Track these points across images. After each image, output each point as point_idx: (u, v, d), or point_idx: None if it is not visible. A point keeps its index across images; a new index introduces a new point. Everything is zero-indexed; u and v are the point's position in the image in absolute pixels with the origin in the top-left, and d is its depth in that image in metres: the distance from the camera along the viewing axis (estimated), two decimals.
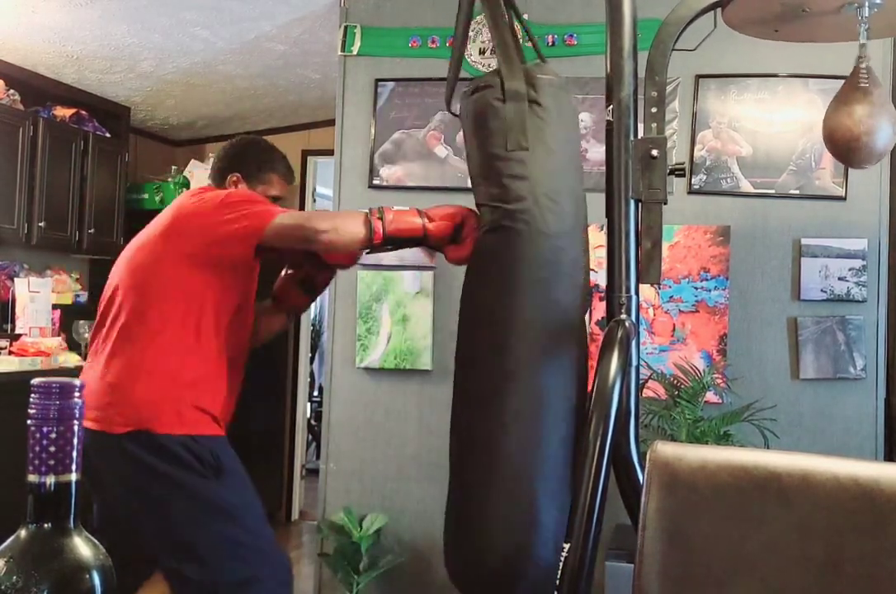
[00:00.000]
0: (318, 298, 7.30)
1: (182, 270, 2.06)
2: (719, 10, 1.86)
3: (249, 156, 2.33)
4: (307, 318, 5.48)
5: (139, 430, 2.01)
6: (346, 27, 3.28)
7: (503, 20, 1.88)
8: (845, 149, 1.87)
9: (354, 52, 3.27)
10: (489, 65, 3.14)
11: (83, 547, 0.71)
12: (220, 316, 2.11)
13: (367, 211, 1.98)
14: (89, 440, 2.11)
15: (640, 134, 1.78)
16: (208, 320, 2.09)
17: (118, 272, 2.17)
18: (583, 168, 1.95)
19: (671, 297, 2.99)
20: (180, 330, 2.07)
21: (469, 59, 3.14)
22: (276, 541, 2.33)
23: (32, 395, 0.70)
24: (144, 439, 2.02)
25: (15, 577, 0.68)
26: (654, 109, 1.76)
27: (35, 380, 0.71)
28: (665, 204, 1.75)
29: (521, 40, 1.97)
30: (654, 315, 3.00)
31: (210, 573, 2.05)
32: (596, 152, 3.06)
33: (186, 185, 4.93)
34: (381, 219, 1.94)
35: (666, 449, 1.13)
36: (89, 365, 2.16)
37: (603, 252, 1.83)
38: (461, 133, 2.04)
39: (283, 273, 2.35)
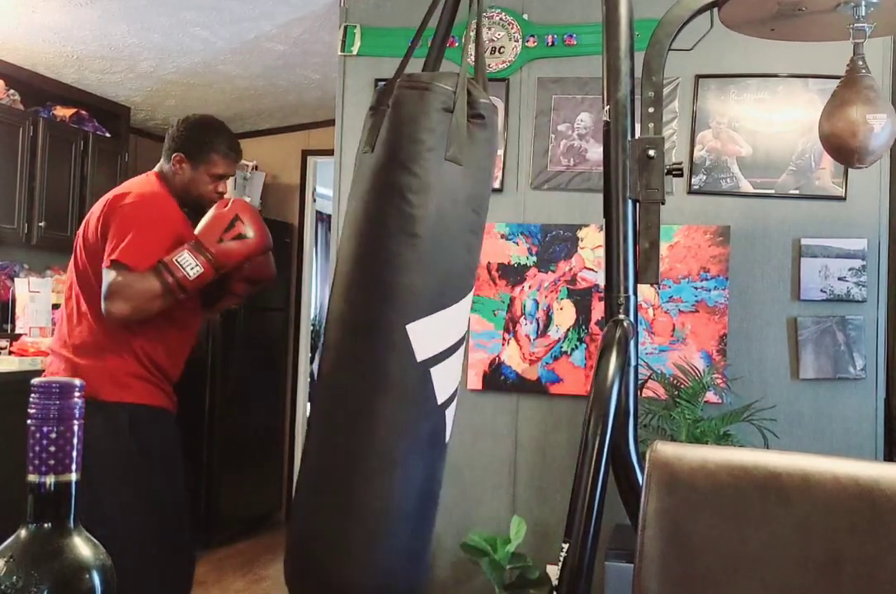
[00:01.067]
0: (318, 298, 7.20)
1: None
2: (716, 9, 1.86)
3: (192, 135, 2.38)
4: (307, 318, 5.48)
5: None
6: (346, 27, 3.28)
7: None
8: (842, 148, 1.88)
9: (354, 52, 3.28)
10: (488, 65, 3.14)
11: (83, 547, 0.71)
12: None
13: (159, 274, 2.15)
14: None
15: (638, 134, 1.78)
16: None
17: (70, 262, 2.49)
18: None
19: (671, 297, 2.99)
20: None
21: (469, 60, 3.13)
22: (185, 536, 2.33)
23: (32, 395, 0.71)
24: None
25: (15, 577, 0.68)
26: (651, 109, 1.76)
27: (35, 380, 0.71)
28: (663, 204, 1.75)
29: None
30: (654, 315, 3.00)
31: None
32: (595, 152, 3.07)
33: None
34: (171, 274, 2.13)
35: (666, 449, 1.13)
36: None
37: (601, 252, 1.83)
38: None
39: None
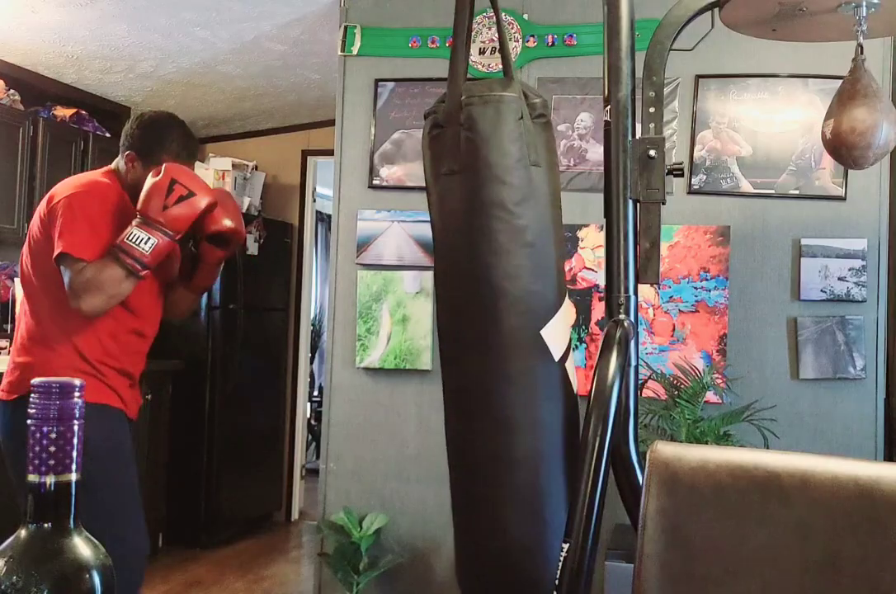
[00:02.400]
0: (318, 298, 7.20)
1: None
2: (717, 9, 1.86)
3: (145, 135, 2.32)
4: (307, 318, 5.48)
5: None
6: (346, 27, 3.28)
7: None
8: (844, 149, 1.87)
9: (354, 53, 3.28)
10: (489, 65, 3.14)
11: (83, 547, 0.71)
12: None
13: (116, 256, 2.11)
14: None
15: (639, 134, 1.78)
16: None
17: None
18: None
19: (671, 297, 2.99)
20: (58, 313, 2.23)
21: (469, 60, 3.14)
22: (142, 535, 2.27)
23: (32, 395, 0.71)
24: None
25: (15, 577, 0.68)
26: (651, 109, 1.76)
27: (35, 380, 0.71)
28: (663, 204, 1.75)
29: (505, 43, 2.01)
30: (654, 315, 3.00)
31: None
32: (596, 152, 3.07)
33: None
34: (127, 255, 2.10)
35: (666, 449, 1.13)
36: None
37: (602, 252, 1.83)
38: None
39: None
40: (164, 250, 2.14)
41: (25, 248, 2.29)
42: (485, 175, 1.76)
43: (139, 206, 2.13)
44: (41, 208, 2.25)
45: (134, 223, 2.11)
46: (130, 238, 2.09)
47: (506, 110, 1.77)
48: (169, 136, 2.32)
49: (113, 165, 2.38)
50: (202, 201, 2.17)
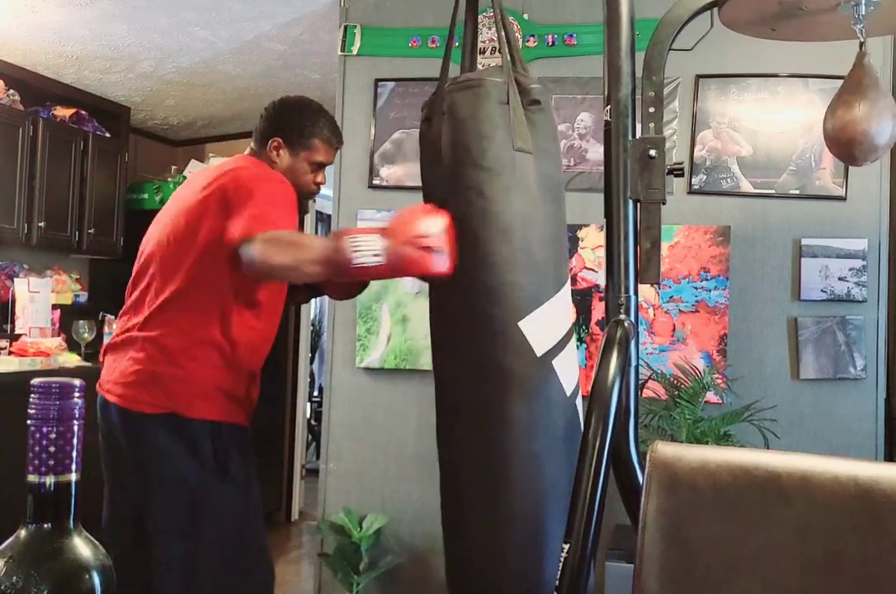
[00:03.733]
0: (318, 298, 7.24)
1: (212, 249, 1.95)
2: (716, 9, 1.86)
3: (292, 118, 2.12)
4: (307, 318, 5.48)
5: (169, 413, 1.95)
6: (346, 27, 3.28)
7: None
8: (845, 146, 1.87)
9: (354, 52, 3.28)
10: (489, 65, 3.14)
11: (83, 547, 0.71)
12: (239, 299, 2.01)
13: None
14: (116, 416, 2.00)
15: (639, 134, 1.78)
16: (230, 304, 2.00)
17: (154, 237, 2.07)
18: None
19: (671, 297, 2.99)
20: (208, 312, 1.99)
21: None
22: (264, 549, 2.11)
23: (32, 395, 0.71)
24: (173, 423, 1.95)
25: (15, 577, 0.68)
26: (651, 109, 1.76)
27: (35, 380, 0.71)
28: (664, 204, 1.75)
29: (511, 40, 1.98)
30: (654, 315, 3.00)
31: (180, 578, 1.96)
32: (596, 152, 3.07)
33: None
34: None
35: (666, 449, 1.13)
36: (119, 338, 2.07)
37: (602, 252, 1.83)
38: None
39: None
40: (368, 274, 1.77)
41: (169, 235, 2.00)
42: (461, 159, 1.76)
43: (399, 223, 1.73)
44: (203, 183, 1.98)
45: (378, 232, 1.74)
46: (359, 240, 1.72)
47: (485, 94, 1.75)
48: (318, 120, 2.14)
49: (248, 154, 2.16)
50: (435, 269, 1.72)
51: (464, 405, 1.78)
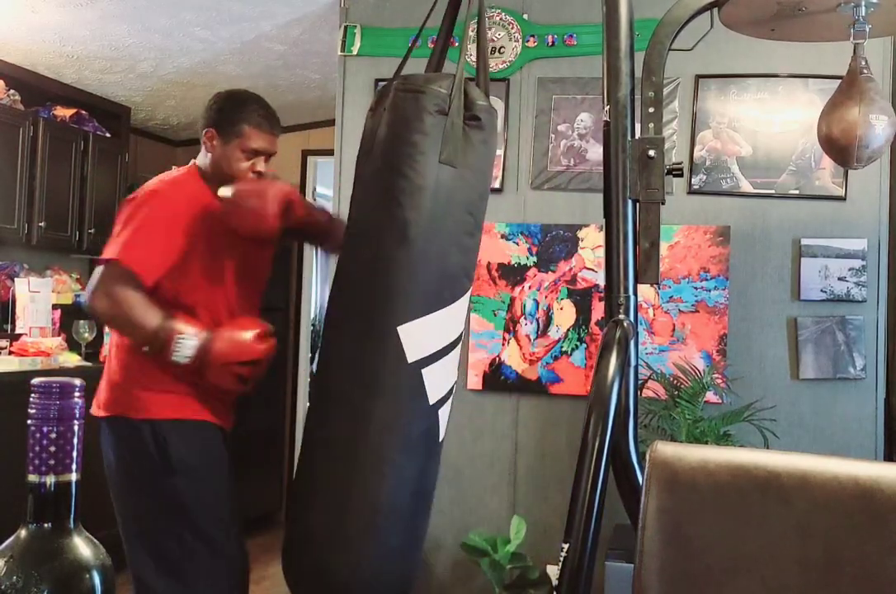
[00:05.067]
0: (319, 298, 7.19)
1: None
2: (716, 9, 1.86)
3: (222, 108, 2.17)
4: (307, 318, 5.48)
5: (115, 416, 2.07)
6: (346, 27, 3.28)
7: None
8: (839, 149, 1.87)
9: (354, 53, 3.28)
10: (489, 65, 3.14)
11: (83, 547, 0.71)
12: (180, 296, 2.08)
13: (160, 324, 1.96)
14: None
15: (638, 134, 1.78)
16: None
17: None
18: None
19: (671, 297, 2.99)
20: None
21: (469, 60, 3.13)
22: (234, 544, 2.13)
23: (32, 395, 0.71)
24: (120, 424, 2.06)
25: (15, 577, 0.68)
26: (651, 109, 1.76)
27: (35, 380, 0.71)
28: (663, 204, 1.75)
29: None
30: (654, 315, 3.00)
31: (136, 569, 2.05)
32: (595, 152, 3.06)
33: None
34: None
35: (666, 449, 1.13)
36: None
37: (602, 252, 1.83)
38: None
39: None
40: (196, 356, 1.96)
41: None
42: (387, 161, 1.77)
43: (225, 342, 1.99)
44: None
45: (201, 336, 1.95)
46: (182, 343, 1.93)
47: (425, 102, 1.75)
48: (246, 106, 2.18)
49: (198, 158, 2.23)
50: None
51: (331, 400, 1.83)
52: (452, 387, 1.85)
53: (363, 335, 1.77)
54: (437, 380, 1.77)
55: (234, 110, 2.15)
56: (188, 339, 1.94)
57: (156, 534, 2.03)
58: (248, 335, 2.04)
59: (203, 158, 2.18)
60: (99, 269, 2.01)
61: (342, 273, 1.86)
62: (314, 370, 1.95)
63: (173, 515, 2.02)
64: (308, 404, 1.97)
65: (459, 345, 1.84)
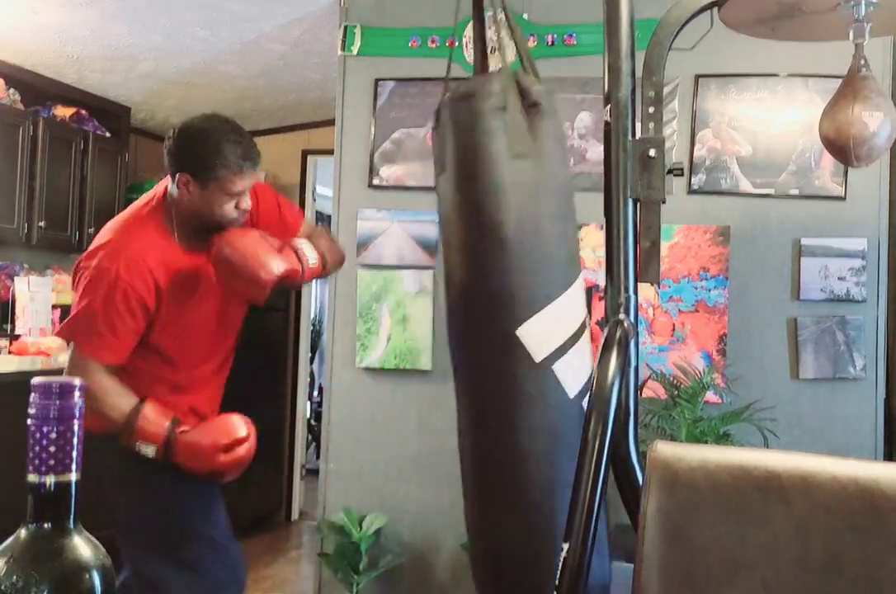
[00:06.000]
0: (318, 298, 7.18)
1: None
2: (716, 9, 1.86)
3: (194, 152, 1.97)
4: (307, 318, 5.48)
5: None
6: (346, 27, 3.28)
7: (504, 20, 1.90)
8: (841, 147, 1.87)
9: (354, 52, 3.28)
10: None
11: (83, 547, 0.71)
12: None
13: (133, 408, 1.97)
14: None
15: (639, 134, 1.78)
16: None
17: None
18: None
19: (671, 296, 2.99)
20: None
21: (469, 60, 3.14)
22: (228, 550, 2.18)
23: (32, 395, 0.70)
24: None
25: (15, 577, 0.68)
26: (651, 109, 1.76)
27: (35, 380, 0.71)
28: (663, 203, 1.75)
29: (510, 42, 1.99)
30: (654, 315, 3.00)
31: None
32: (595, 152, 3.06)
33: None
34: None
35: (665, 449, 1.13)
36: None
37: (602, 252, 1.83)
38: None
39: None
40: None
41: None
42: (459, 170, 1.77)
43: (197, 446, 1.99)
44: None
45: (181, 437, 1.97)
46: (140, 446, 1.96)
47: (478, 103, 1.75)
48: (223, 148, 1.95)
49: (156, 191, 2.10)
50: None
51: (478, 414, 1.82)
52: (589, 374, 1.79)
53: (486, 344, 1.76)
54: (571, 373, 1.75)
55: (208, 156, 1.95)
56: (146, 447, 1.95)
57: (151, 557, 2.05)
58: (218, 441, 2.01)
59: (174, 193, 2.03)
60: (69, 352, 2.01)
61: (455, 284, 1.84)
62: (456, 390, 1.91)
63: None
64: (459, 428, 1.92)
65: (588, 331, 1.83)
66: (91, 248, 2.04)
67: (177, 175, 1.99)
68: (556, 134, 1.85)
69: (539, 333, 1.72)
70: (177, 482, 2.06)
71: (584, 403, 1.75)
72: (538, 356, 1.72)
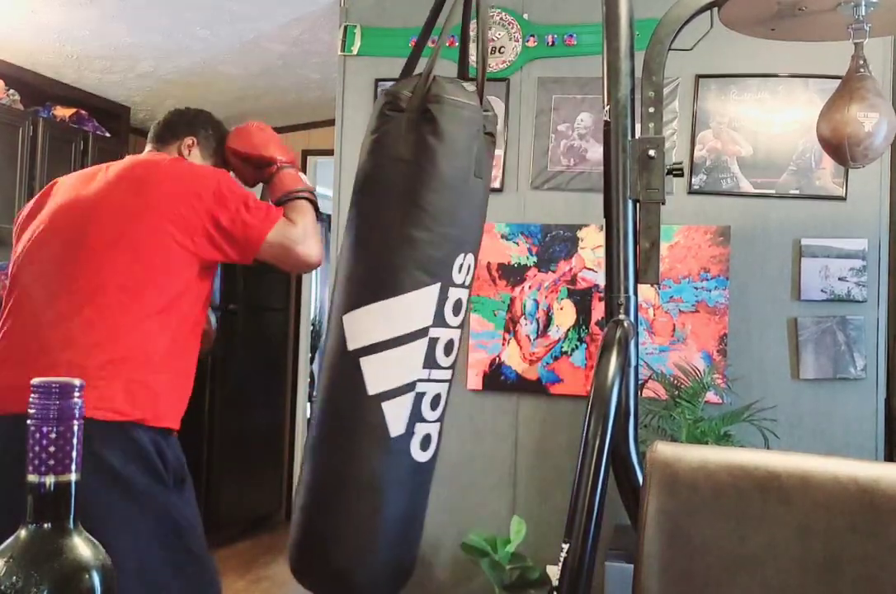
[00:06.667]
0: (318, 298, 7.19)
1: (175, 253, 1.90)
2: (716, 9, 1.86)
3: (207, 123, 2.25)
4: (307, 318, 5.48)
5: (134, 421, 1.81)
6: (346, 27, 3.28)
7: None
8: (837, 148, 1.87)
9: (354, 52, 3.28)
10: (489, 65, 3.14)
11: (83, 547, 0.71)
12: (193, 308, 1.96)
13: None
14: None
15: (638, 134, 1.78)
16: (184, 312, 1.93)
17: (76, 225, 1.92)
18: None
19: (671, 297, 2.99)
20: (161, 314, 1.89)
21: (469, 60, 3.14)
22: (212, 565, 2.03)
23: (32, 395, 0.70)
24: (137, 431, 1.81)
25: (15, 577, 0.68)
26: (651, 109, 1.76)
27: (35, 380, 0.71)
28: (663, 204, 1.75)
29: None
30: (654, 315, 3.00)
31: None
32: (595, 152, 3.06)
33: None
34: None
35: (666, 449, 1.13)
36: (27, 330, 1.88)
37: (602, 252, 1.83)
38: None
39: None
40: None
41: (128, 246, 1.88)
42: (424, 177, 1.76)
43: (271, 152, 2.10)
44: (133, 176, 1.96)
45: (291, 170, 2.09)
46: (305, 180, 2.09)
47: (468, 119, 1.79)
48: (219, 125, 2.29)
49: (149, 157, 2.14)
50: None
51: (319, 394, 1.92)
52: (403, 384, 1.77)
53: (328, 325, 1.87)
54: (378, 371, 1.75)
55: (221, 133, 2.25)
56: (298, 174, 2.11)
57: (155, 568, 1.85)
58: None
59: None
60: (287, 227, 1.96)
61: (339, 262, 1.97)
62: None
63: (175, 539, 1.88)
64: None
65: (418, 342, 1.78)
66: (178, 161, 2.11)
67: (184, 138, 2.18)
68: (439, 141, 1.79)
69: (359, 324, 1.77)
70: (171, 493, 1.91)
71: (385, 405, 1.76)
72: (351, 345, 1.76)
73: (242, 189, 1.99)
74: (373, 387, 1.75)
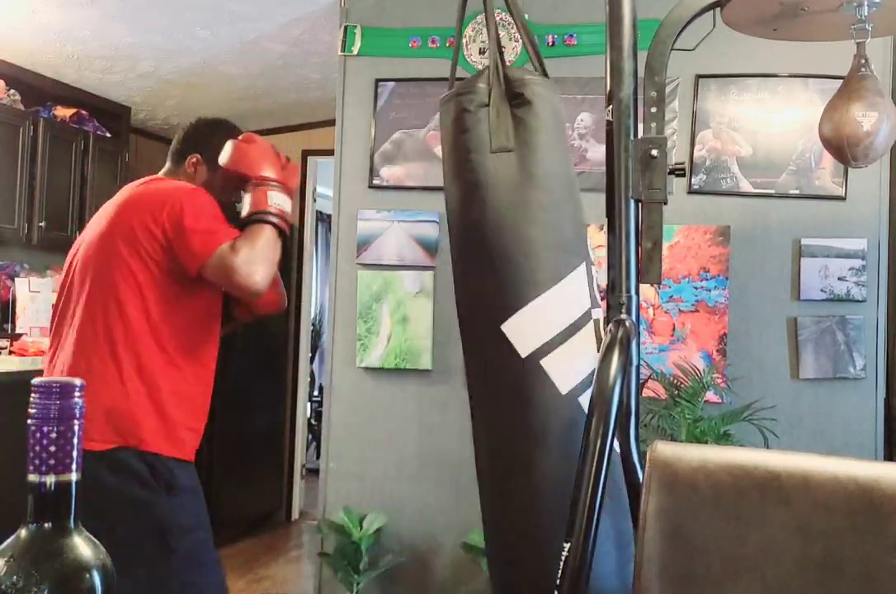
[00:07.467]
0: (318, 298, 7.16)
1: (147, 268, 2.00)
2: (718, 9, 1.85)
3: (213, 137, 2.16)
4: (307, 318, 5.48)
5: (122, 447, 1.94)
6: (346, 27, 3.28)
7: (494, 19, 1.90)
8: (839, 147, 1.87)
9: (354, 53, 3.28)
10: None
11: (83, 547, 0.71)
12: (203, 323, 2.09)
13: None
14: None
15: (640, 134, 1.78)
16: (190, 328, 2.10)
17: (84, 265, 2.05)
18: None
19: (671, 296, 2.99)
20: (162, 339, 2.10)
21: (469, 60, 3.14)
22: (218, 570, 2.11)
23: (33, 395, 0.70)
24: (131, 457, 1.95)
25: (15, 577, 0.68)
26: (653, 109, 1.75)
27: (35, 380, 0.71)
28: (665, 204, 1.75)
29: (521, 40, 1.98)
30: (654, 315, 3.00)
31: None
32: (596, 152, 3.06)
33: None
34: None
35: (666, 449, 1.13)
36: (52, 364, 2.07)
37: (603, 252, 1.83)
38: None
39: None
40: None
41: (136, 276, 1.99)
42: (447, 172, 1.80)
43: (255, 170, 2.03)
44: (157, 205, 1.98)
45: (263, 188, 2.03)
46: (273, 201, 2.02)
47: (461, 102, 1.76)
48: (226, 137, 2.17)
49: (163, 174, 2.19)
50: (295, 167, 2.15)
51: (475, 411, 1.83)
52: (592, 371, 1.69)
53: (475, 345, 1.77)
54: (562, 367, 1.70)
55: (221, 142, 2.14)
56: (269, 195, 2.04)
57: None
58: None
59: (181, 175, 2.17)
60: (217, 259, 1.95)
61: (455, 284, 1.86)
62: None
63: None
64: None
65: (591, 323, 1.75)
66: (180, 187, 2.09)
67: (189, 156, 2.15)
68: (545, 125, 1.80)
69: (524, 328, 1.70)
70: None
71: (581, 400, 1.72)
72: (524, 351, 1.69)
73: (207, 209, 1.99)
74: (564, 386, 1.69)
